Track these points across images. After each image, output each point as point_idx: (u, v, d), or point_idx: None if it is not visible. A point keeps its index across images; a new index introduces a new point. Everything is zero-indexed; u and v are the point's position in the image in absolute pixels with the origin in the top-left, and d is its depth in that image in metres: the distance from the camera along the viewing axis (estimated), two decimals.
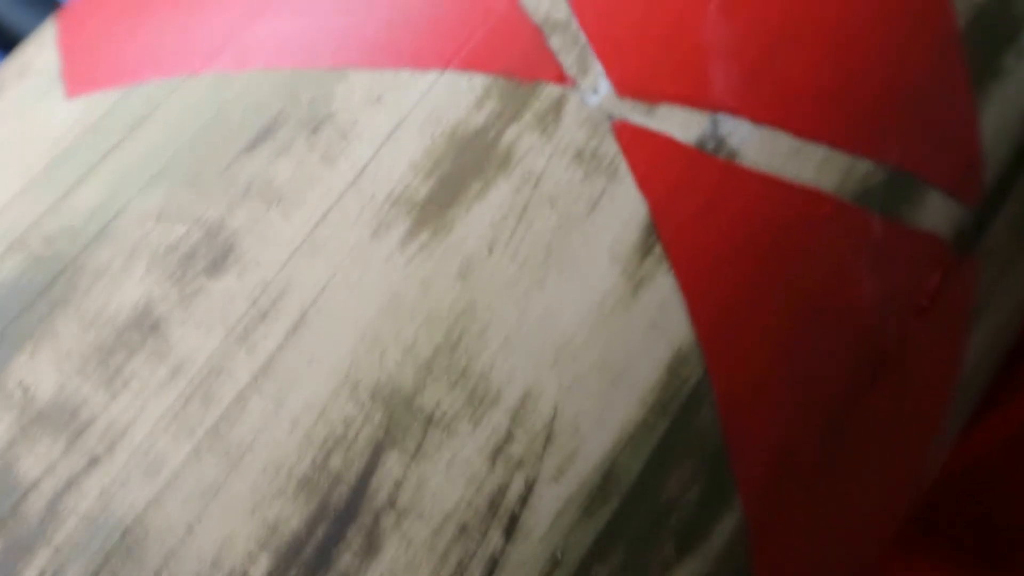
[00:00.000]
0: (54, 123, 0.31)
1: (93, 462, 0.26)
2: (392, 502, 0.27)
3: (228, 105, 0.31)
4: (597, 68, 0.31)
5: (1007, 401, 0.58)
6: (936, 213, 0.35)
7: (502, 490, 0.28)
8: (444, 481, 0.27)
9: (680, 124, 0.31)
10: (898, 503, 0.38)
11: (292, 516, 0.26)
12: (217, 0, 0.33)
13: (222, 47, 0.32)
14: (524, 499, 0.28)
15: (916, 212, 0.35)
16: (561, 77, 0.31)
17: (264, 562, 0.26)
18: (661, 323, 0.30)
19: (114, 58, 0.33)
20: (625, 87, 0.31)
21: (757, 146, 0.32)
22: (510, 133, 0.30)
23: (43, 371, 0.27)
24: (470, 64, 0.31)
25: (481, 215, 0.29)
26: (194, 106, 0.31)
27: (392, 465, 0.27)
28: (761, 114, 0.32)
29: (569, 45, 0.31)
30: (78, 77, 0.33)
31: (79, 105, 0.32)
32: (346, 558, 0.26)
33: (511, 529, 0.27)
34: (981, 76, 0.35)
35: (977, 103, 0.35)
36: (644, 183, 0.31)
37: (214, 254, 0.29)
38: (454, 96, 0.30)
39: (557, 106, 0.31)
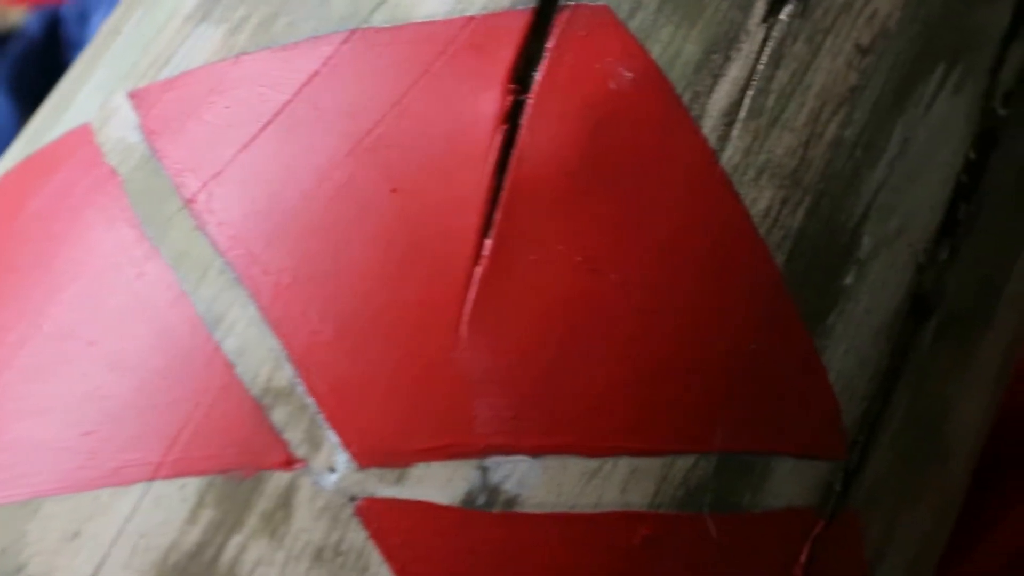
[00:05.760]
0: None
1: None
2: None
3: None
4: (331, 439, 0.26)
5: (1004, 518, 0.52)
6: (788, 484, 0.30)
7: None
8: None
9: (440, 484, 0.26)
10: None
11: None
12: None
13: None
14: None
15: (760, 493, 0.29)
16: (287, 461, 0.26)
17: None
18: None
19: None
20: (367, 455, 0.26)
21: (541, 483, 0.27)
22: (232, 546, 0.26)
23: None
24: (181, 468, 0.26)
25: None
26: None
27: None
28: (541, 442, 0.27)
29: (295, 417, 0.27)
30: None
31: None
32: None
33: None
34: (816, 310, 0.30)
35: (817, 343, 0.30)
36: (404, 571, 0.26)
37: None
38: (164, 512, 0.26)
39: (286, 499, 0.26)
